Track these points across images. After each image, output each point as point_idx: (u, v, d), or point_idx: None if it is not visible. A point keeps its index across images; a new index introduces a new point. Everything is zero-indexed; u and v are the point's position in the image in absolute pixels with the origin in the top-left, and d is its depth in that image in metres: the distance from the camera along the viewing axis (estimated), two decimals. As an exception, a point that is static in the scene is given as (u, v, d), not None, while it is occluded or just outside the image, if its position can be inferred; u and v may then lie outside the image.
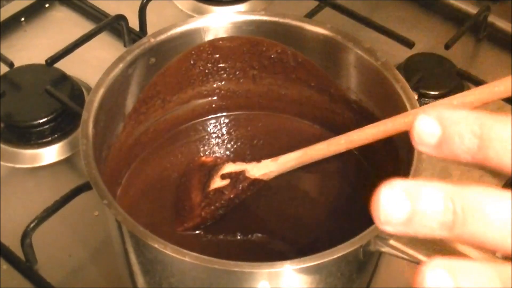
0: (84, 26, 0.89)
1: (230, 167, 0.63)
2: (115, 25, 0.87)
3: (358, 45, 0.63)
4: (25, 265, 0.67)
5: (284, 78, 0.69)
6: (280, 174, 0.62)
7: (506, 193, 0.32)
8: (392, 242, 0.51)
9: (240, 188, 0.62)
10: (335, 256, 0.49)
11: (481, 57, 0.90)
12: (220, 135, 0.70)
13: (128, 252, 0.55)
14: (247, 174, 0.62)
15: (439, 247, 0.51)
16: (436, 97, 0.80)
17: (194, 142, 0.70)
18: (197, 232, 0.63)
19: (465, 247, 0.51)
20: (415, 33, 0.87)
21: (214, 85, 0.69)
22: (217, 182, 0.63)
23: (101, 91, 0.59)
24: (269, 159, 0.62)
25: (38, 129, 0.77)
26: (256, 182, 0.62)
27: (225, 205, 0.62)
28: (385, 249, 0.52)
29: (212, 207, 0.62)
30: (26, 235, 0.65)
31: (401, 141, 0.60)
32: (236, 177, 0.62)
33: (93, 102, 0.58)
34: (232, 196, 0.62)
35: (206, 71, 0.68)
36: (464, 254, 0.51)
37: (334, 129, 0.68)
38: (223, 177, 0.63)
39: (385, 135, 0.58)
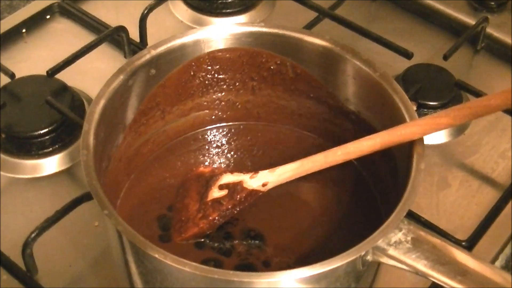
0: (85, 37, 0.90)
1: (227, 178, 0.64)
2: (115, 37, 0.88)
3: (357, 57, 0.63)
4: (25, 275, 0.67)
5: (283, 89, 0.69)
6: (278, 185, 0.63)
7: None
8: (390, 252, 0.52)
9: (237, 198, 0.62)
10: (333, 266, 0.49)
11: (479, 68, 0.90)
12: (219, 145, 0.71)
13: (128, 262, 0.55)
14: (245, 185, 0.63)
15: (437, 256, 0.52)
16: (434, 108, 0.81)
17: (194, 153, 0.70)
18: (196, 241, 0.63)
19: (464, 255, 0.52)
20: (413, 44, 0.87)
21: (214, 96, 0.70)
22: (215, 193, 0.63)
23: (101, 102, 0.59)
24: (267, 170, 0.62)
25: (39, 139, 0.77)
26: (253, 193, 0.63)
27: (223, 215, 0.63)
28: (383, 259, 0.52)
29: (210, 217, 0.62)
30: (27, 245, 0.65)
31: (400, 152, 0.60)
32: (233, 187, 0.63)
33: (94, 113, 0.58)
34: (229, 206, 0.63)
35: (206, 82, 0.68)
36: (465, 263, 0.52)
37: (332, 139, 0.68)
38: (221, 187, 0.63)
39: (382, 147, 0.58)
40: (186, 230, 0.63)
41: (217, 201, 0.63)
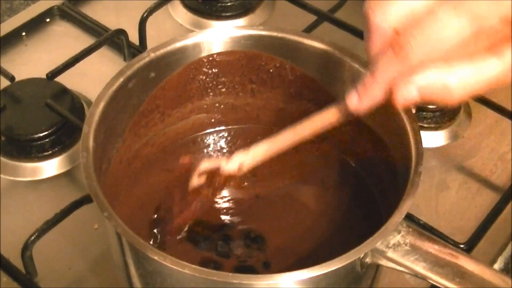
0: (85, 40, 0.90)
1: (205, 165, 0.62)
2: (115, 40, 0.88)
3: (356, 59, 0.63)
4: (25, 278, 0.67)
5: (282, 92, 0.69)
6: (254, 167, 0.61)
7: None
8: (389, 254, 0.52)
9: (216, 184, 0.62)
10: (332, 268, 0.49)
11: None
12: (219, 148, 0.71)
13: (128, 264, 0.55)
14: (221, 170, 0.61)
15: (435, 259, 0.52)
16: (433, 111, 0.81)
17: (193, 156, 0.70)
18: (196, 243, 0.63)
19: (462, 257, 0.52)
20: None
21: (213, 99, 0.70)
22: (195, 181, 0.62)
23: (101, 105, 0.59)
24: (241, 152, 0.61)
25: (39, 142, 0.77)
26: (231, 176, 0.61)
27: (202, 203, 0.62)
28: (382, 261, 0.52)
29: (190, 207, 0.62)
30: (26, 248, 0.65)
31: (399, 154, 0.60)
32: (211, 174, 0.62)
33: (94, 116, 0.59)
34: (209, 193, 0.62)
35: (205, 85, 0.68)
36: (464, 265, 0.52)
37: (331, 141, 0.68)
38: (200, 175, 0.62)
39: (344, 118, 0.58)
40: (171, 225, 0.63)
41: (197, 190, 0.62)
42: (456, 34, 0.46)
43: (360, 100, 0.52)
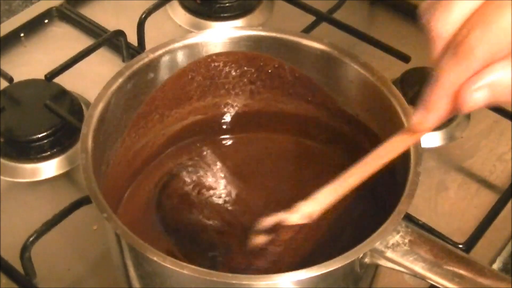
0: (83, 41, 0.90)
1: (264, 222, 0.57)
2: (114, 41, 0.88)
3: (355, 60, 0.64)
4: (24, 279, 0.67)
5: (282, 93, 0.69)
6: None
7: None
8: (388, 254, 0.52)
9: (284, 238, 0.57)
10: (331, 269, 0.49)
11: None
12: (219, 149, 0.71)
13: (127, 266, 0.55)
14: (288, 222, 0.56)
15: (434, 259, 0.52)
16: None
17: (193, 157, 0.70)
18: (196, 246, 0.63)
19: (461, 257, 0.52)
20: (411, 47, 0.88)
21: (212, 100, 0.70)
22: (255, 241, 0.58)
23: (100, 106, 0.60)
24: (303, 202, 0.56)
25: (38, 143, 0.77)
26: (302, 226, 0.56)
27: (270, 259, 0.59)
28: (381, 261, 0.52)
29: (257, 264, 0.59)
30: (25, 249, 0.65)
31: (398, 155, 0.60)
32: (275, 230, 0.57)
33: (93, 117, 0.59)
34: (280, 247, 0.58)
35: (204, 86, 0.68)
36: (463, 266, 0.52)
37: (330, 142, 0.68)
38: (259, 233, 0.58)
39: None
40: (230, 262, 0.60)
41: (261, 249, 0.58)
42: None
43: (427, 115, 0.47)
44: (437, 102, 0.46)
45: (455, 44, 0.44)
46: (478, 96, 0.44)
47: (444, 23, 0.45)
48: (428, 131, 0.50)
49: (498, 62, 0.43)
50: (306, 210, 0.55)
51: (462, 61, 0.43)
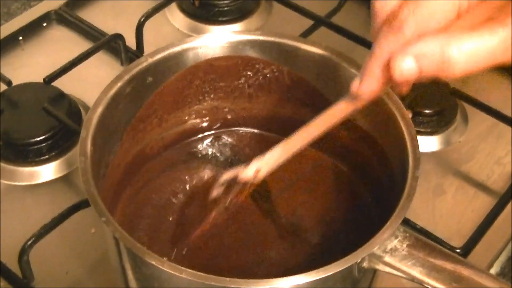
0: (82, 45, 0.90)
1: (226, 175, 0.62)
2: (112, 44, 0.88)
3: (353, 64, 0.64)
4: (22, 282, 0.67)
5: (280, 96, 0.69)
6: (270, 172, 0.61)
7: None
8: (386, 259, 0.52)
9: (234, 193, 0.62)
10: (329, 273, 0.49)
11: (475, 76, 0.90)
12: (217, 152, 0.71)
13: (125, 269, 0.55)
14: (239, 178, 0.61)
15: (432, 263, 0.52)
16: (430, 116, 0.81)
17: (191, 160, 0.70)
18: (196, 247, 0.63)
19: (459, 261, 0.52)
20: (409, 52, 0.88)
21: (211, 104, 0.70)
22: (215, 192, 0.63)
23: (99, 109, 0.60)
24: (256, 159, 0.60)
25: (36, 146, 0.77)
26: (247, 184, 0.61)
27: (222, 212, 0.63)
28: (379, 266, 0.52)
29: (212, 215, 0.63)
30: (23, 252, 0.65)
31: (396, 159, 0.60)
32: (230, 183, 0.62)
33: (91, 120, 0.59)
34: (227, 203, 0.62)
35: (203, 90, 0.68)
36: (460, 270, 0.52)
37: (328, 145, 0.68)
38: (220, 186, 0.62)
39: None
40: (189, 233, 0.63)
41: (215, 200, 0.62)
42: (453, 3, 0.46)
43: (363, 82, 0.51)
44: (372, 70, 0.50)
45: (391, 18, 0.48)
46: (405, 65, 0.47)
47: (385, 1, 0.49)
48: (367, 98, 0.53)
49: (427, 35, 0.46)
50: (254, 167, 0.59)
51: (394, 31, 0.47)
